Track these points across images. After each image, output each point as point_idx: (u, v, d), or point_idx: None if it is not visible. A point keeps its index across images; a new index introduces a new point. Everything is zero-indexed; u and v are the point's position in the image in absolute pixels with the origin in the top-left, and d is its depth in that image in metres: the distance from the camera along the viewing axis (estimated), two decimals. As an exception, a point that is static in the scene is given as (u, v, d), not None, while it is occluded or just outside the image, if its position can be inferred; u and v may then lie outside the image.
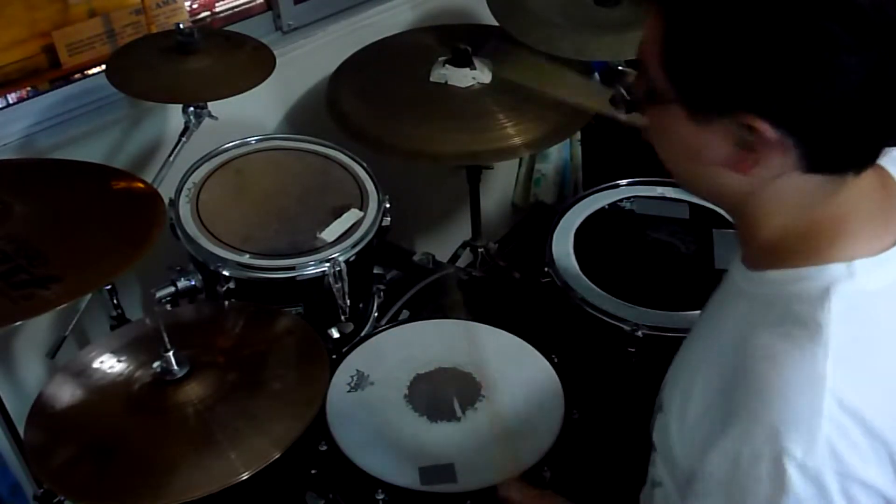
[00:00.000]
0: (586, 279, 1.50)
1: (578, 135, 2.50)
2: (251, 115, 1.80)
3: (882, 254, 0.75)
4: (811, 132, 0.70)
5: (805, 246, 0.76)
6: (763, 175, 0.74)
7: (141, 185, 1.32)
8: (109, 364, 1.20)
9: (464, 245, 2.12)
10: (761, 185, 0.76)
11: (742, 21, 0.68)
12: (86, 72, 1.63)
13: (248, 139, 1.66)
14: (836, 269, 0.73)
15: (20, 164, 1.46)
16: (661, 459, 0.88)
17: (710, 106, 0.73)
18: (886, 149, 0.76)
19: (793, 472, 0.68)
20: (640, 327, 1.39)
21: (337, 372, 1.38)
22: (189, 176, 1.55)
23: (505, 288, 1.89)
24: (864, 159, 0.74)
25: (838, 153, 0.72)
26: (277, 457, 1.04)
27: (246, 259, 1.41)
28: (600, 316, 1.43)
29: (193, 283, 1.46)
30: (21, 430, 1.14)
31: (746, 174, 0.74)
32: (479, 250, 2.08)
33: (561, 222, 1.64)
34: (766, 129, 0.70)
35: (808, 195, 0.75)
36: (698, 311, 1.44)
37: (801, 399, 0.70)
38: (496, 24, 1.75)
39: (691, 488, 0.76)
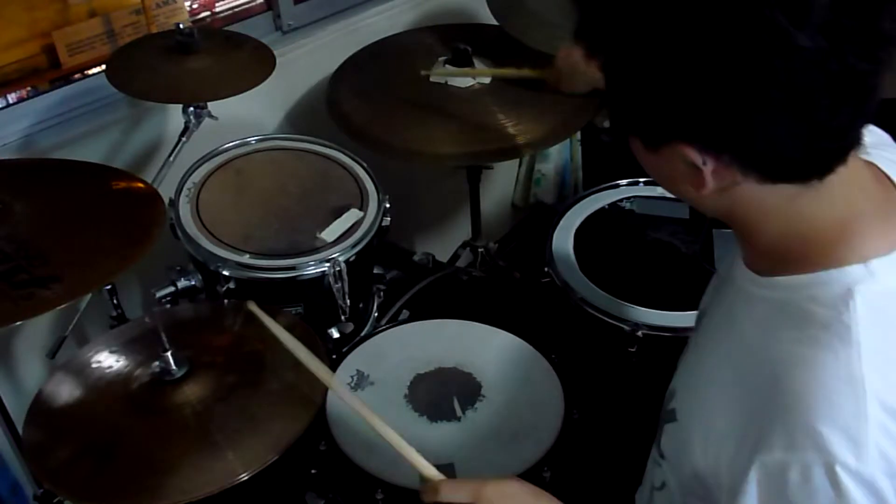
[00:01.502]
0: (586, 279, 1.50)
1: (578, 135, 2.50)
2: (251, 115, 1.80)
3: (895, 251, 0.74)
4: (740, 153, 0.71)
5: (814, 250, 0.75)
6: (716, 191, 0.75)
7: (141, 185, 1.31)
8: (108, 363, 1.20)
9: (464, 245, 2.11)
10: (728, 197, 0.76)
11: (653, 62, 0.70)
12: (86, 72, 1.63)
13: (248, 139, 1.66)
14: (854, 271, 0.73)
15: (20, 164, 1.46)
16: (669, 467, 0.87)
17: (650, 137, 0.76)
18: (865, 147, 0.75)
19: (847, 481, 0.67)
20: (640, 327, 1.39)
21: (337, 372, 1.38)
22: (189, 176, 1.55)
23: (505, 288, 1.88)
24: (817, 169, 0.73)
25: (781, 167, 0.72)
26: (276, 458, 1.04)
27: (246, 259, 1.41)
28: (600, 316, 1.43)
29: (193, 283, 1.46)
30: (21, 430, 1.14)
31: (702, 192, 0.75)
32: (479, 250, 2.08)
33: (561, 222, 1.64)
34: (693, 155, 0.72)
35: (785, 200, 0.75)
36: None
37: (844, 404, 0.68)
38: (496, 23, 1.75)
39: None
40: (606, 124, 0.83)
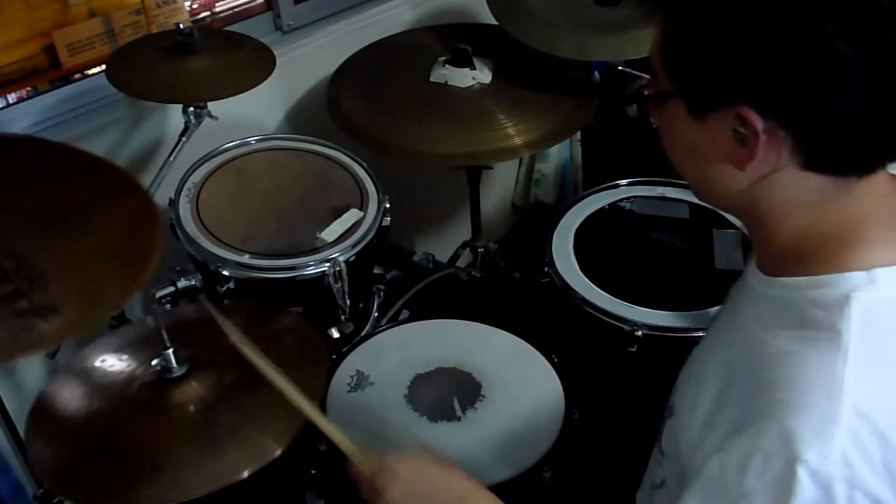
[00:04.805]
0: (586, 279, 1.50)
1: (578, 135, 2.50)
2: (251, 115, 1.80)
3: None
4: (801, 124, 0.70)
5: (822, 252, 0.75)
6: (759, 170, 0.74)
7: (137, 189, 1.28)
8: (110, 363, 1.20)
9: (464, 245, 2.12)
10: (762, 183, 0.75)
11: (732, 12, 0.69)
12: (86, 72, 1.63)
13: (248, 139, 1.66)
14: (855, 277, 0.73)
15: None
16: (669, 463, 0.88)
17: (705, 99, 0.74)
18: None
19: (804, 478, 0.67)
20: (640, 327, 1.39)
21: (337, 372, 1.38)
22: (189, 176, 1.55)
23: (505, 288, 1.89)
24: (865, 162, 0.73)
25: (833, 150, 0.72)
26: (277, 455, 1.04)
27: (246, 259, 1.41)
28: (600, 316, 1.43)
29: (193, 283, 1.46)
30: (21, 430, 1.14)
31: (743, 169, 0.74)
32: (479, 250, 2.08)
33: (561, 222, 1.64)
34: (755, 119, 0.70)
35: (815, 196, 0.75)
36: (698, 311, 1.44)
37: (818, 403, 0.69)
38: (496, 23, 1.75)
39: (685, 491, 0.75)
40: (633, 112, 0.83)
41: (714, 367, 0.81)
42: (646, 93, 0.82)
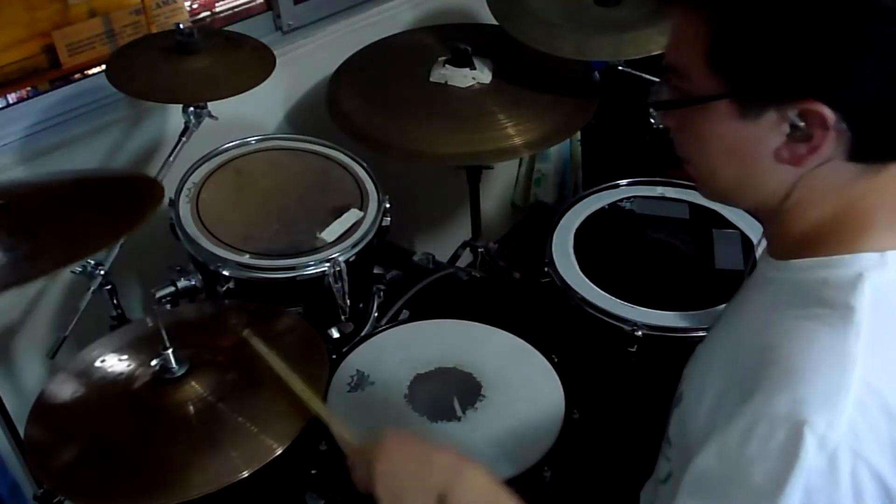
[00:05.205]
0: (586, 279, 1.50)
1: (578, 135, 2.50)
2: (251, 115, 1.80)
3: None
4: (865, 115, 0.70)
5: (835, 235, 0.76)
6: (812, 164, 0.73)
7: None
8: (111, 363, 1.21)
9: (464, 245, 2.12)
10: (805, 176, 0.75)
11: (797, 6, 0.68)
12: (86, 72, 1.63)
13: (248, 139, 1.66)
14: (868, 258, 0.74)
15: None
16: (675, 454, 0.88)
17: (764, 96, 0.72)
18: None
19: (810, 443, 0.67)
20: (640, 327, 1.39)
21: (337, 372, 1.38)
22: (189, 176, 1.55)
23: (505, 288, 1.89)
24: None
25: (886, 139, 0.72)
26: (278, 454, 1.04)
27: (246, 259, 1.41)
28: (600, 316, 1.43)
29: (193, 283, 1.46)
30: (21, 430, 1.14)
31: (801, 165, 0.74)
32: (479, 250, 2.08)
33: (561, 222, 1.64)
34: (826, 113, 0.69)
35: (844, 185, 0.75)
36: (698, 311, 1.44)
37: (829, 374, 0.69)
38: (496, 23, 1.75)
39: (688, 465, 0.75)
40: (657, 123, 0.79)
41: (722, 354, 0.82)
42: (671, 98, 0.79)
